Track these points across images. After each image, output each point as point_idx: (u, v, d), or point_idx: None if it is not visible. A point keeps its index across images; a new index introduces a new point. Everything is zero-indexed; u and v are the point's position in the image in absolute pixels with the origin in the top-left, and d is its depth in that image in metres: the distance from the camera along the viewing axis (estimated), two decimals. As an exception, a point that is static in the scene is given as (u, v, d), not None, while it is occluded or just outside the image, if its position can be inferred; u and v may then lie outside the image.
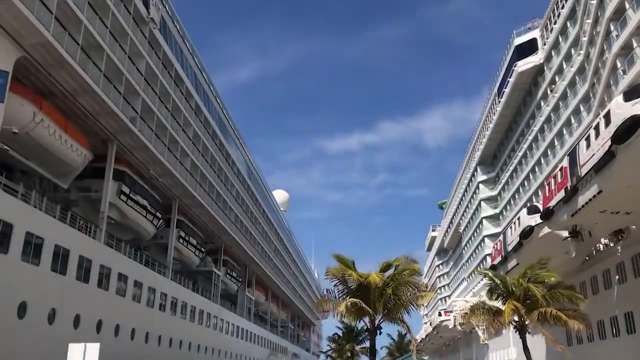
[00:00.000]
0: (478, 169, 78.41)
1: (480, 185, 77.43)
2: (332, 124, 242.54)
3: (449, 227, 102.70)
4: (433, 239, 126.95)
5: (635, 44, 33.00)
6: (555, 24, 51.07)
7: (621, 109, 21.21)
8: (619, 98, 22.47)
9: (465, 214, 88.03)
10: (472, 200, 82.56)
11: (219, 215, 56.49)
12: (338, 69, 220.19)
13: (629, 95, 21.36)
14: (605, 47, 37.35)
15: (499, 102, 64.11)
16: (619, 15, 34.69)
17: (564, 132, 48.94)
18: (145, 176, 42.88)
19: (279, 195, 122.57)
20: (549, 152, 52.86)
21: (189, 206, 50.92)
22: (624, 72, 34.19)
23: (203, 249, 59.36)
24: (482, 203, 76.33)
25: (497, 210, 73.13)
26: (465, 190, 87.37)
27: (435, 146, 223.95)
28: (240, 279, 73.97)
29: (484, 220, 75.54)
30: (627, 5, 33.73)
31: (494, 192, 74.46)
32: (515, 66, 57.13)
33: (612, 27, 35.65)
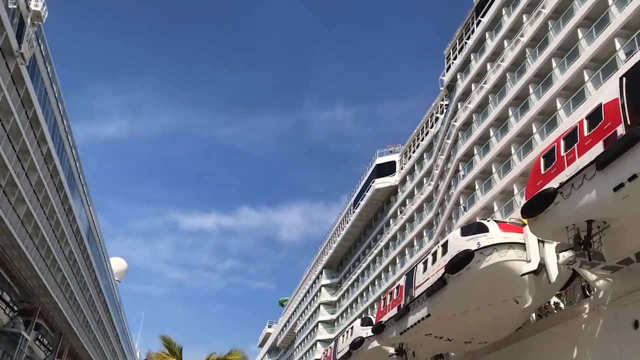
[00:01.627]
0: (323, 273, 79.97)
1: (323, 289, 78.76)
2: (191, 200, 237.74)
3: (285, 325, 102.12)
4: (267, 335, 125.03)
5: (477, 186, 36.65)
6: (414, 152, 55.56)
7: (457, 242, 22.98)
8: (456, 231, 24.39)
9: (303, 315, 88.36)
10: (312, 303, 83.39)
11: (44, 273, 51.58)
12: (210, 146, 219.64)
13: (465, 231, 23.27)
14: (452, 183, 41.07)
15: (354, 212, 67.14)
16: (468, 157, 38.63)
17: (406, 252, 52.02)
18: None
19: (117, 263, 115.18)
20: (390, 269, 55.59)
21: (8, 254, 45.99)
22: (465, 208, 37.60)
23: (16, 308, 53.33)
24: (321, 307, 77.33)
25: (334, 317, 74.35)
26: (308, 292, 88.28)
27: (290, 242, 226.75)
28: (51, 348, 66.90)
29: (319, 324, 76.22)
30: (475, 151, 37.70)
31: (334, 298, 75.98)
32: (373, 182, 60.74)
33: (460, 167, 39.47)
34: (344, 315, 69.84)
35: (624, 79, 14.19)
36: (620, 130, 13.82)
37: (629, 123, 13.55)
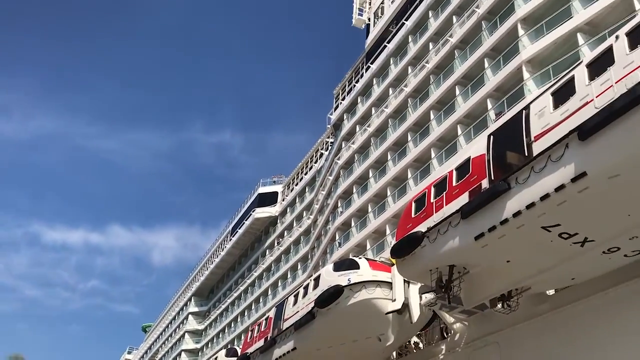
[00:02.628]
0: (192, 300, 77.68)
1: (190, 317, 76.39)
2: (58, 213, 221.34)
3: (146, 352, 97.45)
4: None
5: (353, 223, 37.68)
6: (296, 185, 56.21)
7: (329, 277, 23.34)
8: (329, 266, 24.81)
9: (166, 343, 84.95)
10: (177, 330, 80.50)
11: None
12: (85, 157, 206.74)
13: (338, 266, 23.73)
14: (330, 219, 41.90)
15: (231, 239, 66.27)
16: (347, 195, 39.72)
17: (279, 284, 52.01)
18: None
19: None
20: (261, 300, 55.21)
21: None
22: (340, 244, 38.45)
23: None
24: (187, 335, 74.84)
25: (199, 346, 72.19)
26: (174, 318, 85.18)
27: (161, 265, 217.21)
28: None
29: (182, 353, 73.57)
30: (354, 190, 38.88)
31: (201, 327, 73.91)
32: (253, 211, 60.47)
33: (339, 204, 40.44)
34: (209, 345, 68.06)
35: (491, 137, 15.33)
36: (485, 183, 14.84)
37: (492, 178, 14.59)
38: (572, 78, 12.89)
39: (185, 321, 77.13)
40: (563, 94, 13.02)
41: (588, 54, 17.37)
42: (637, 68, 11.21)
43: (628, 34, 11.83)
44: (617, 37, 12.10)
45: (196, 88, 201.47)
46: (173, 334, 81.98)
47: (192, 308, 76.70)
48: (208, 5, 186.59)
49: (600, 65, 12.23)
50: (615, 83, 11.56)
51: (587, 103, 12.12)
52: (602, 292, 15.87)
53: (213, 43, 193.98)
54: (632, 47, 11.51)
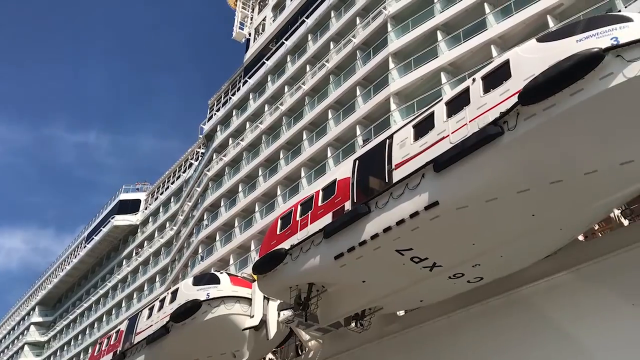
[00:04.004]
0: (37, 309, 71.98)
1: (32, 327, 70.63)
2: None
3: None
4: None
5: (218, 237, 37.18)
6: (162, 194, 54.42)
7: (188, 291, 22.81)
8: (189, 280, 24.25)
9: (2, 355, 77.74)
10: (16, 341, 73.99)
11: None
12: None
13: (197, 280, 23.27)
14: (194, 231, 41.02)
15: (85, 246, 62.50)
16: (214, 208, 39.19)
17: (135, 296, 49.78)
18: None
19: None
20: (114, 312, 52.47)
21: None
22: (203, 258, 37.72)
23: None
24: (26, 347, 69.02)
25: (40, 358, 66.88)
26: (14, 328, 78.29)
27: (4, 269, 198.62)
28: None
29: (21, 367, 67.76)
30: (222, 203, 38.46)
31: (44, 338, 68.58)
32: (112, 218, 57.56)
33: (205, 216, 39.75)
34: (52, 358, 63.32)
35: (357, 161, 15.99)
36: (348, 205, 15.40)
37: (355, 201, 15.19)
38: (432, 113, 13.85)
39: (26, 332, 71.13)
40: (423, 127, 13.93)
41: (449, 92, 18.76)
42: (489, 110, 12.27)
43: (483, 78, 12.95)
44: (473, 80, 13.20)
45: (62, 82, 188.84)
46: (11, 346, 75.20)
47: (36, 318, 71.01)
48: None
49: (457, 103, 13.25)
50: (469, 122, 12.57)
51: (443, 138, 13.05)
52: (445, 315, 17.03)
53: (85, 37, 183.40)
54: (486, 90, 12.62)
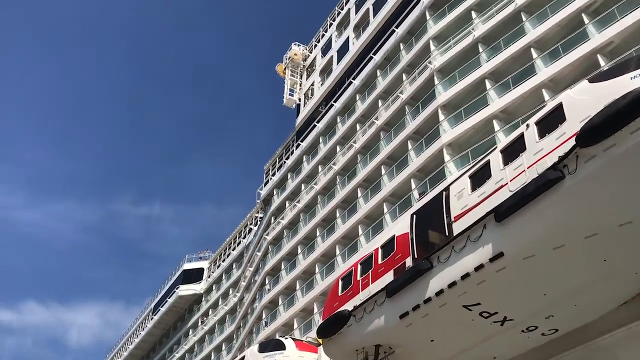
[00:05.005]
0: (109, 384, 73.03)
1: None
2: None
3: None
4: None
5: (280, 302, 37.05)
6: (223, 261, 55.09)
7: (254, 358, 22.69)
8: (254, 347, 24.15)
9: None
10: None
11: None
12: (2, 229, 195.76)
13: (263, 347, 23.16)
14: (257, 296, 41.07)
15: (152, 318, 63.41)
16: (275, 272, 39.27)
17: (203, 365, 49.78)
18: None
19: None
20: (183, 383, 52.49)
21: None
22: (267, 323, 37.55)
23: None
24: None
25: None
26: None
27: (77, 345, 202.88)
28: None
29: None
30: (282, 266, 38.52)
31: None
32: (177, 288, 58.45)
33: (267, 281, 39.84)
34: None
35: (414, 216, 15.76)
36: (409, 262, 15.09)
37: (415, 257, 14.87)
38: (488, 162, 13.60)
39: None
40: (480, 176, 13.67)
41: (503, 139, 18.48)
42: (546, 154, 11.97)
43: (537, 123, 12.70)
44: (527, 126, 12.96)
45: (127, 159, 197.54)
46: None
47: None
48: (150, 79, 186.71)
49: (513, 150, 12.98)
50: (527, 168, 12.26)
51: (502, 186, 12.74)
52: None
53: (146, 118, 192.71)
54: (542, 135, 12.35)
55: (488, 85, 25.06)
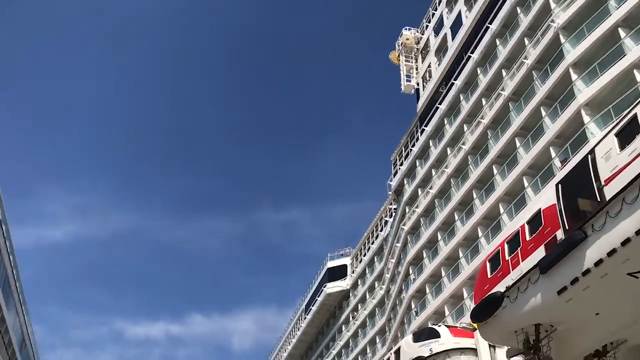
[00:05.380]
0: (274, 384, 76.69)
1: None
2: (139, 307, 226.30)
3: None
4: None
5: (428, 290, 36.68)
6: (364, 256, 55.66)
7: (410, 349, 22.62)
8: (409, 337, 24.07)
9: None
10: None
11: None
12: (160, 250, 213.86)
13: (417, 337, 23.00)
14: (403, 287, 40.98)
15: (305, 318, 65.61)
16: (418, 261, 38.93)
17: (359, 359, 50.60)
18: None
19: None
20: (343, 378, 53.74)
21: None
22: (417, 313, 37.33)
23: None
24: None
25: None
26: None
27: (240, 350, 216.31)
28: None
29: None
30: (424, 254, 38.10)
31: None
32: (324, 287, 59.98)
33: (410, 271, 39.62)
34: None
35: (560, 185, 14.81)
36: (560, 234, 14.21)
37: (567, 228, 13.97)
38: (635, 116, 12.46)
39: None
40: (628, 133, 12.55)
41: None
42: None
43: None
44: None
45: (262, 169, 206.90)
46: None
47: (274, 393, 75.49)
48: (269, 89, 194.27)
49: (663, 99, 11.81)
50: (683, 116, 11.09)
51: (655, 139, 11.62)
52: None
53: (267, 119, 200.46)
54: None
55: (622, 33, 23.02)
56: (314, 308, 62.59)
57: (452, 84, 38.24)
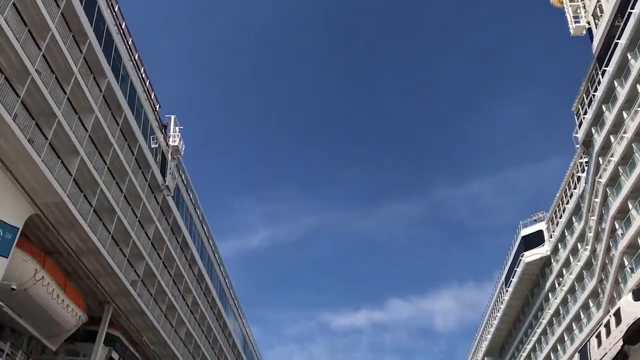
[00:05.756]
0: (485, 359, 75.08)
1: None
2: (340, 299, 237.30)
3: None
4: None
5: (640, 243, 33.18)
6: (560, 217, 52.08)
7: (631, 308, 20.68)
8: (628, 296, 22.01)
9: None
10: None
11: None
12: (349, 242, 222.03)
13: (637, 295, 20.92)
14: (611, 244, 37.57)
15: (507, 291, 63.24)
16: (623, 214, 35.41)
17: (574, 327, 47.50)
18: (138, 343, 41.22)
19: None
20: (559, 347, 50.80)
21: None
22: (632, 270, 33.96)
23: None
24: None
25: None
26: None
27: (445, 330, 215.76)
28: None
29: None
30: (629, 206, 34.54)
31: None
32: (522, 256, 57.26)
33: (616, 225, 36.17)
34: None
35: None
36: None
37: None
38: None
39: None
40: None
41: None
42: None
43: None
44: None
45: (431, 144, 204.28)
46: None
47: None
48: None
49: None
50: None
51: None
52: None
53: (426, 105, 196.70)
54: None
55: None
56: (514, 280, 60.07)
57: (629, 13, 34.11)
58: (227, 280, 63.84)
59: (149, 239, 39.18)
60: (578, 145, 44.14)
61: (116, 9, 35.18)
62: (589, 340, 25.25)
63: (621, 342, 20.84)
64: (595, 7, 40.55)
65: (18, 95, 23.44)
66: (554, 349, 52.00)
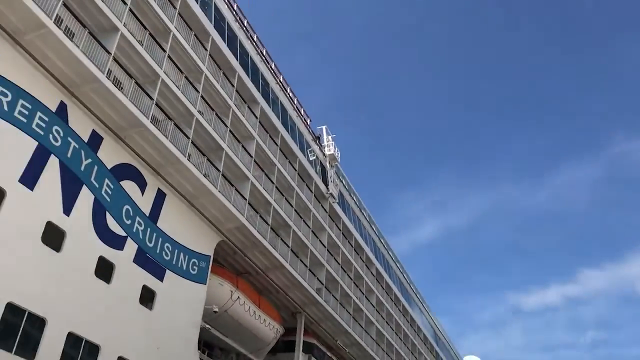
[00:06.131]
0: None
1: None
2: (524, 277, 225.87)
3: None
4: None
5: None
6: None
7: None
8: None
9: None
10: None
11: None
12: (523, 219, 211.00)
13: None
14: None
15: None
16: None
17: None
18: (333, 347, 42.84)
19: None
20: None
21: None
22: None
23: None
24: None
25: None
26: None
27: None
28: None
29: None
30: None
31: None
32: None
33: None
34: None
35: None
36: None
37: None
38: None
39: None
40: None
41: None
42: None
43: None
44: None
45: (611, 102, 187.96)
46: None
47: None
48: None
49: None
50: None
51: None
52: None
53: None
54: None
55: None
56: None
57: None
58: (405, 276, 64.10)
59: (325, 247, 40.68)
60: None
61: (255, 38, 37.31)
62: None
63: None
64: None
65: (188, 137, 25.83)
66: None
